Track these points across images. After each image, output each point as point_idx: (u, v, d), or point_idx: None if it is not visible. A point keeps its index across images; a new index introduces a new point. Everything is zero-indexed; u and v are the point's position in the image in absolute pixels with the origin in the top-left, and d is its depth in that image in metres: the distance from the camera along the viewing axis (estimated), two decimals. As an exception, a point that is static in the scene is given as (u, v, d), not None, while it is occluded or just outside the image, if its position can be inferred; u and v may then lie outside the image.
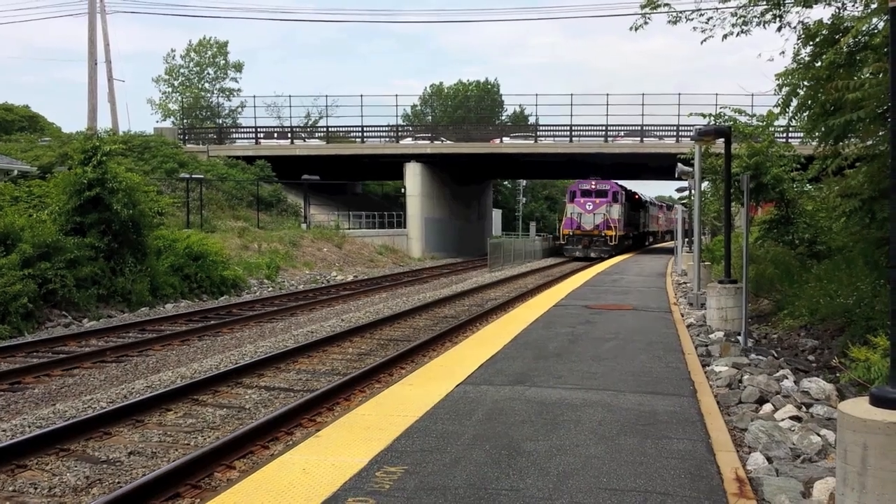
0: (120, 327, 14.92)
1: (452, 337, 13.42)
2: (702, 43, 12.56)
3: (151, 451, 7.10)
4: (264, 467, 5.28)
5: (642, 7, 11.87)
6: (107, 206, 17.97)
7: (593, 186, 42.00)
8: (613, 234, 41.07)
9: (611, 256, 39.21)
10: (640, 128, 41.47)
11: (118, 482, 6.29)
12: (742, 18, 11.54)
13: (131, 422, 7.96)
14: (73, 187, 18.04)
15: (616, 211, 41.72)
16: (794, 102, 11.21)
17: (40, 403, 9.10)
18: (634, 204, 50.71)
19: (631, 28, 12.37)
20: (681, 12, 11.80)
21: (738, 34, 11.73)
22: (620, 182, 46.36)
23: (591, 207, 41.14)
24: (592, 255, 40.03)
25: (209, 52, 66.69)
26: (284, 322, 16.34)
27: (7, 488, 6.14)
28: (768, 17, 11.29)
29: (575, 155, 42.74)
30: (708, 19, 11.74)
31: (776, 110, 13.03)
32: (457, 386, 7.67)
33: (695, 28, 11.92)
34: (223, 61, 67.29)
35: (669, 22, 11.92)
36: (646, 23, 12.21)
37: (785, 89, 11.05)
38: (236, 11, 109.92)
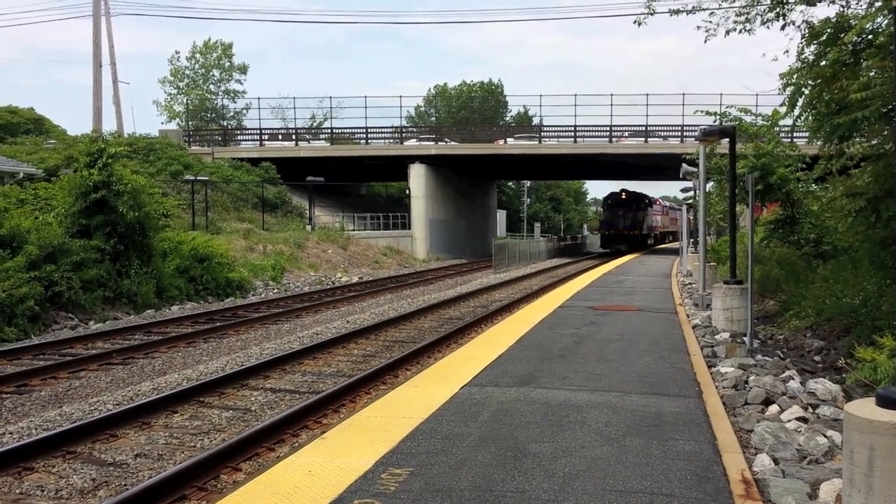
0: (126, 329, 14.96)
1: (458, 338, 13.41)
2: (705, 41, 12.58)
3: (158, 453, 7.11)
4: (270, 469, 5.29)
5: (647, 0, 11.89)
6: (112, 209, 18.02)
7: (624, 197, 53.16)
8: (639, 233, 52.39)
9: (638, 250, 50.08)
10: (644, 128, 41.43)
11: (124, 484, 6.30)
12: (745, 16, 11.53)
13: (137, 424, 7.98)
14: (79, 189, 18.10)
15: (641, 216, 52.89)
16: (800, 102, 11.19)
17: (47, 406, 9.13)
18: (656, 209, 60.97)
19: (634, 22, 12.36)
20: (682, 8, 11.82)
21: (740, 31, 11.73)
22: (645, 192, 55.43)
23: (622, 213, 52.34)
24: (623, 248, 50.78)
25: (214, 54, 66.84)
26: (290, 324, 16.36)
27: (14, 491, 6.16)
28: (771, 15, 11.27)
29: (579, 156, 42.73)
30: (711, 14, 11.75)
31: (781, 110, 13.02)
32: (462, 387, 7.68)
33: (698, 27, 11.93)
34: (228, 63, 67.45)
35: (671, 13, 11.93)
36: (651, 13, 12.20)
37: (789, 89, 11.03)
38: (240, 13, 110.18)
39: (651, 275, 26.34)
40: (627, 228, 52.21)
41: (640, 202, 53.50)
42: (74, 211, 18.03)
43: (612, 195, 54.60)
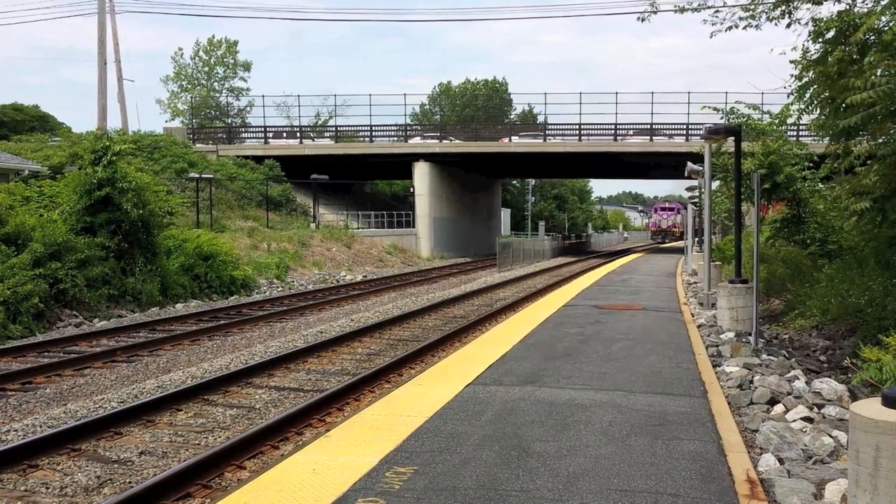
0: (130, 327, 14.98)
1: (462, 337, 13.41)
2: (711, 36, 12.45)
3: (162, 451, 7.12)
4: (274, 467, 5.30)
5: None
6: (117, 206, 18.05)
7: (667, 205, 75.98)
8: (677, 230, 69.92)
9: (675, 241, 68.06)
10: (649, 126, 41.39)
11: (129, 482, 6.31)
12: (751, 13, 11.47)
13: (142, 422, 7.99)
14: (84, 187, 18.13)
15: (679, 218, 69.99)
16: (807, 94, 11.11)
17: (51, 403, 9.15)
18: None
19: (638, 18, 12.33)
20: (687, 6, 11.77)
21: (745, 27, 11.65)
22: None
23: (665, 216, 74.71)
24: (667, 241, 72.35)
25: (218, 52, 66.92)
26: (294, 322, 16.37)
27: (19, 488, 6.18)
28: (777, 12, 11.20)
29: (584, 154, 42.71)
30: (716, 12, 11.70)
31: (791, 102, 12.88)
32: (466, 386, 7.67)
33: (704, 21, 11.87)
34: (232, 60, 67.53)
35: (676, 11, 11.89)
36: (655, 11, 12.15)
37: (804, 77, 10.92)
38: (245, 11, 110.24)
39: (656, 274, 26.30)
40: (668, 227, 73.40)
41: (678, 210, 71.25)
42: (79, 208, 18.06)
43: (658, 203, 79.76)
